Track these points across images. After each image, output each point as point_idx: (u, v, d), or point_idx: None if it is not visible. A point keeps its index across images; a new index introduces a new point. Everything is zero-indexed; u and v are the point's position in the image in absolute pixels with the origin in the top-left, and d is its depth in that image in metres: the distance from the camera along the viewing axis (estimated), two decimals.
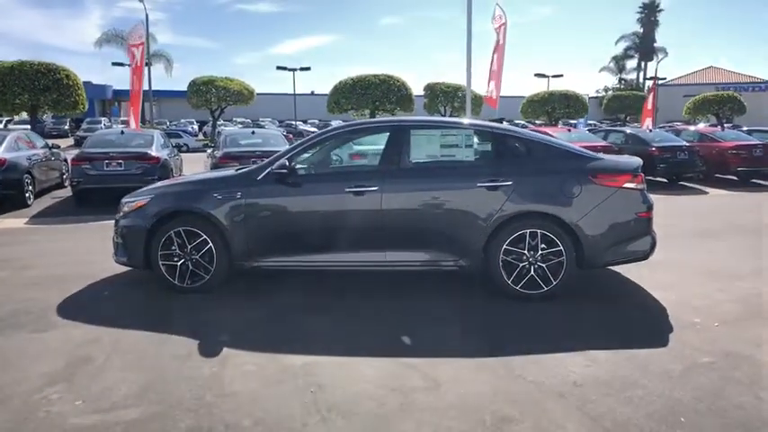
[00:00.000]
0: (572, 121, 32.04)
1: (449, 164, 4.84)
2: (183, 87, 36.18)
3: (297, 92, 50.51)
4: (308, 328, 4.14)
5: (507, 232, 4.56)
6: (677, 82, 51.23)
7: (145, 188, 5.45)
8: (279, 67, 38.59)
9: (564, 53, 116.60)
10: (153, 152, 10.92)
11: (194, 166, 13.60)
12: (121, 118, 47.22)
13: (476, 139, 4.84)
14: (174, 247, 4.87)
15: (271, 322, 4.25)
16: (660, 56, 54.17)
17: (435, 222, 4.65)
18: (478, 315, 4.41)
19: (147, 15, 29.06)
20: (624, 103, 39.33)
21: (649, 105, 20.27)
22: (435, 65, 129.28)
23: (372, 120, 5.38)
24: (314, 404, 2.96)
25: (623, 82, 56.34)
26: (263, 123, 44.35)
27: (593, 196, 4.52)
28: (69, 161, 12.02)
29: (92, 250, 6.58)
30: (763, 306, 4.58)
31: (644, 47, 55.52)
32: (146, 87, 20.93)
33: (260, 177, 4.84)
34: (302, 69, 38.99)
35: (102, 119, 42.65)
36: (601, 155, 5.09)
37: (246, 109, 40.62)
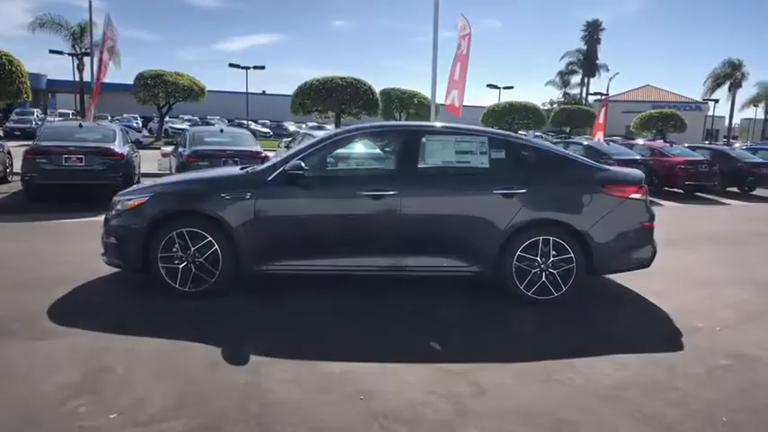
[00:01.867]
0: (522, 132, 33.14)
1: (465, 170, 4.87)
2: (124, 80, 34.63)
3: (245, 91, 49.53)
4: (331, 333, 4.05)
5: (521, 239, 4.63)
6: (617, 99, 53.85)
7: (139, 186, 5.18)
8: (231, 65, 37.56)
9: (512, 66, 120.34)
10: (117, 148, 10.37)
11: (147, 165, 13.15)
12: (59, 110, 44.73)
13: (490, 147, 4.88)
14: (175, 250, 4.64)
15: (290, 327, 4.13)
16: (602, 72, 56.89)
17: (452, 228, 4.66)
18: (495, 320, 4.45)
19: (90, 2, 27.70)
20: (570, 117, 40.92)
21: (601, 119, 21.17)
22: (385, 71, 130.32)
23: (388, 123, 5.33)
24: (368, 412, 2.89)
25: (567, 96, 58.62)
26: (212, 122, 43.18)
27: (602, 205, 4.67)
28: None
29: (61, 251, 6.21)
30: (751, 311, 4.85)
31: (587, 63, 58.05)
32: (87, 78, 19.93)
33: (270, 178, 4.69)
34: (256, 68, 38.19)
35: (35, 110, 40.12)
36: (606, 166, 5.26)
37: (194, 106, 39.40)
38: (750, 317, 4.71)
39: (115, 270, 5.08)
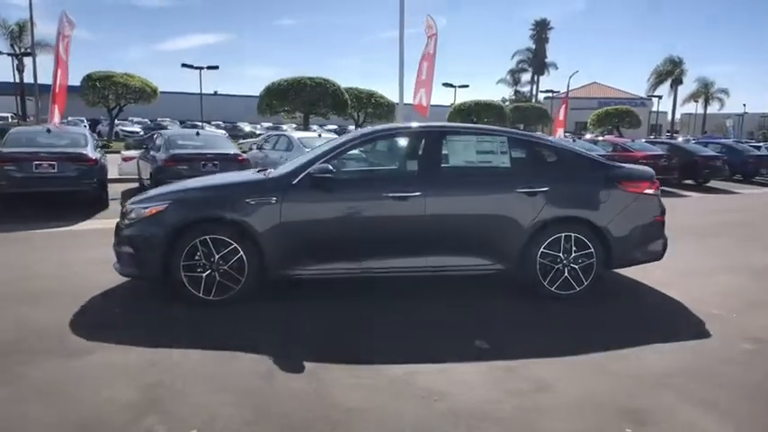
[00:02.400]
0: None
1: (487, 170, 4.96)
2: (68, 81, 33.11)
3: (194, 91, 48.18)
4: (375, 336, 4.05)
5: (544, 236, 4.75)
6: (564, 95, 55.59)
7: (153, 192, 5.01)
8: (184, 65, 36.70)
9: (461, 64, 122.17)
10: (90, 153, 9.93)
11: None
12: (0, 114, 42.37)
13: (510, 146, 4.99)
14: (197, 258, 4.52)
15: (329, 331, 4.10)
16: (551, 70, 58.65)
17: (477, 227, 4.74)
18: (527, 316, 4.54)
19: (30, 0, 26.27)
20: (524, 114, 41.98)
21: (561, 116, 21.95)
22: (336, 69, 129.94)
23: (408, 125, 5.33)
24: (450, 413, 2.92)
25: (518, 94, 60.11)
26: (164, 123, 41.88)
27: (619, 201, 4.85)
28: None
29: (52, 262, 5.97)
30: (752, 298, 5.14)
31: (536, 62, 59.68)
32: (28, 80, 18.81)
33: (295, 182, 4.63)
34: (210, 68, 37.37)
35: None
36: (619, 164, 5.46)
37: (145, 108, 38.10)
38: (753, 303, 4.97)
39: (119, 282, 4.92)
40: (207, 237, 4.51)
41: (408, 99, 18.21)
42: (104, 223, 8.67)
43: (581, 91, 58.89)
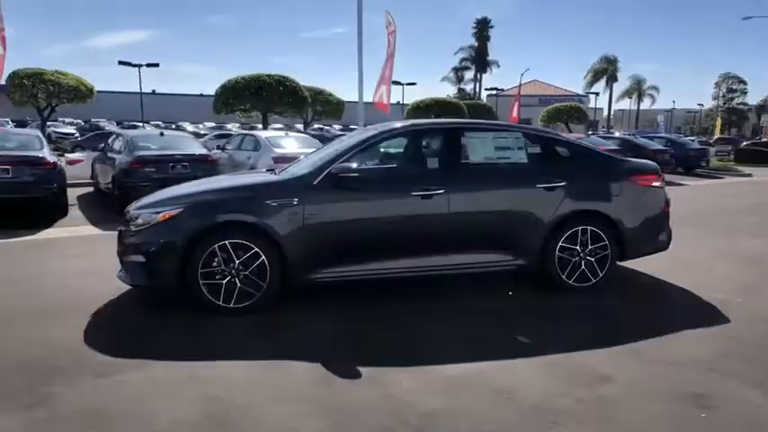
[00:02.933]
0: None
1: (506, 166, 4.99)
2: None
3: (129, 90, 45.96)
4: (408, 335, 4.00)
5: (563, 230, 4.84)
6: (508, 93, 57.05)
7: (160, 195, 4.74)
8: (121, 62, 34.82)
9: (408, 62, 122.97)
10: (47, 156, 9.29)
11: None
12: None
13: (526, 142, 5.04)
14: (215, 264, 4.31)
15: (366, 335, 4.01)
16: (493, 68, 60.04)
17: (499, 223, 4.77)
18: (549, 308, 4.61)
19: None
20: (469, 112, 42.67)
21: (515, 113, 22.52)
22: (273, 67, 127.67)
23: (427, 121, 5.28)
24: (528, 410, 2.92)
25: (462, 91, 61.13)
26: (101, 124, 39.84)
27: (631, 194, 5.01)
28: None
29: (41, 275, 5.55)
30: (749, 282, 5.42)
31: (479, 59, 60.93)
32: None
33: (316, 182, 4.49)
34: (149, 65, 35.78)
35: None
36: (627, 158, 5.62)
37: (79, 109, 36.05)
38: (755, 289, 5.23)
39: (115, 292, 4.75)
40: (226, 241, 4.30)
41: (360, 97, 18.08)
42: (71, 231, 8.20)
43: (522, 88, 60.61)
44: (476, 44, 61.06)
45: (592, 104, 49.54)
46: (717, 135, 41.33)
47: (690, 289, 5.11)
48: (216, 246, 4.30)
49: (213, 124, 43.88)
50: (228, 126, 45.20)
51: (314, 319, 4.35)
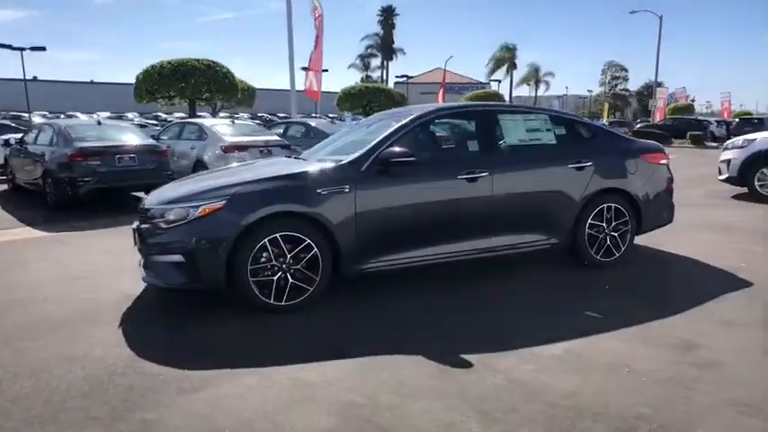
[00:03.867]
0: (332, 115, 33.14)
1: (540, 147, 5.05)
2: None
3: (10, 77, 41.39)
4: (482, 320, 3.96)
5: (591, 208, 5.01)
6: (415, 81, 58.10)
7: (192, 187, 4.29)
8: (2, 45, 31.13)
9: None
10: None
11: None
12: None
13: (552, 124, 5.13)
14: (264, 259, 4.00)
15: (434, 321, 3.91)
16: (399, 56, 60.73)
17: (537, 204, 4.84)
18: (586, 283, 4.76)
19: None
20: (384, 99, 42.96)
21: (440, 100, 22.96)
22: (165, 54, 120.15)
23: (465, 103, 5.18)
24: (663, 378, 2.99)
25: (369, 79, 61.25)
26: None
27: (645, 172, 5.28)
28: None
29: (35, 280, 4.94)
30: (738, 248, 5.91)
31: (385, 47, 61.36)
32: None
33: (365, 168, 4.30)
34: (34, 49, 32.20)
35: None
36: (635, 138, 5.89)
37: None
38: (748, 252, 5.71)
39: (132, 294, 4.40)
40: (277, 234, 4.00)
41: (277, 83, 17.55)
42: (8, 234, 7.22)
43: (428, 76, 62.00)
44: (381, 32, 61.39)
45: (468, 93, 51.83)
46: (605, 119, 44.81)
47: (694, 257, 5.49)
48: (266, 239, 3.98)
49: (108, 114, 40.44)
50: (130, 115, 41.94)
51: (369, 310, 4.18)
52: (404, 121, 4.61)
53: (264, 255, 4.01)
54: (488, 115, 4.87)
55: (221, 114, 31.39)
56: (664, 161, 5.51)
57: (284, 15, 16.54)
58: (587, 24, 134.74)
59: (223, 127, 11.49)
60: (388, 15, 61.03)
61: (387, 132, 4.53)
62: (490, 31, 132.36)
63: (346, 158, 4.40)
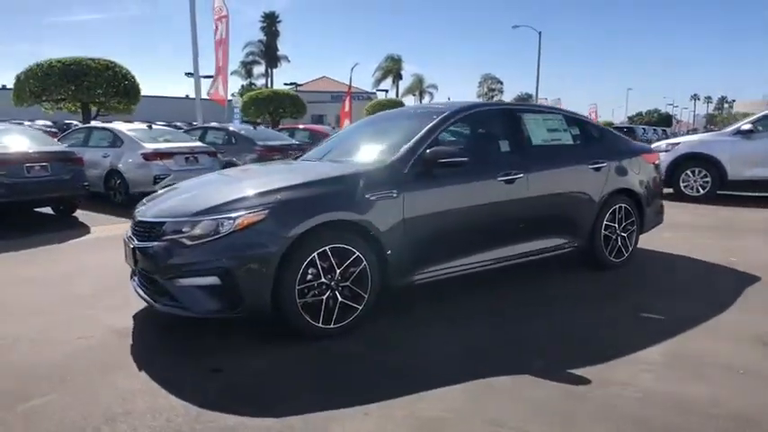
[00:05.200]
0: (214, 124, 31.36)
1: (561, 147, 4.95)
2: None
3: None
4: (551, 329, 3.73)
5: (606, 209, 5.02)
6: (301, 89, 57.30)
7: (215, 198, 3.55)
8: None
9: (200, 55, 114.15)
10: None
11: None
12: None
13: (568, 124, 5.06)
14: (311, 277, 3.44)
15: (500, 336, 3.62)
16: (283, 63, 59.56)
17: (564, 205, 4.75)
18: (607, 287, 4.74)
19: None
20: (281, 104, 41.57)
21: (347, 108, 22.61)
22: (20, 55, 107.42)
23: (489, 102, 4.88)
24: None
25: (254, 86, 59.30)
26: None
27: (645, 172, 5.42)
28: None
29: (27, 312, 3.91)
30: (711, 244, 6.31)
31: (269, 54, 59.81)
32: None
33: (407, 169, 3.89)
34: None
35: None
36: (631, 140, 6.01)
37: None
38: (723, 249, 6.06)
39: (123, 325, 3.47)
40: (326, 247, 3.46)
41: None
42: None
43: (313, 84, 61.54)
44: (265, 39, 59.86)
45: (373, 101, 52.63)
46: None
47: (682, 254, 5.72)
48: (315, 254, 3.42)
49: None
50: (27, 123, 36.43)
51: (429, 326, 3.78)
52: (438, 119, 4.26)
53: (311, 272, 3.44)
54: (516, 114, 4.69)
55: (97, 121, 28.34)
56: (657, 161, 5.70)
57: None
58: (470, 37, 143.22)
59: (140, 132, 10.27)
60: (271, 22, 59.62)
61: (424, 131, 4.15)
62: (374, 42, 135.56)
63: (388, 159, 3.95)
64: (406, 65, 59.56)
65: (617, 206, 5.10)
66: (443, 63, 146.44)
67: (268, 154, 11.94)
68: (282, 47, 61.33)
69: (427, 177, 3.94)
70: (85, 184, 8.46)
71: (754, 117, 9.75)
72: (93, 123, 11.22)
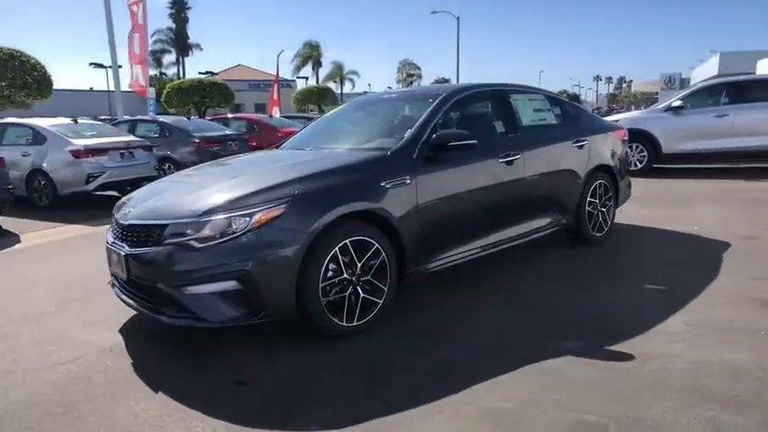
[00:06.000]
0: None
1: (547, 127, 4.96)
2: None
3: None
4: (571, 314, 3.74)
5: (589, 185, 5.12)
6: (217, 78, 54.99)
7: (224, 194, 3.21)
8: None
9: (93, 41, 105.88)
10: None
11: None
12: None
13: (550, 104, 5.08)
14: (332, 273, 3.23)
15: (533, 324, 3.59)
16: (195, 51, 56.84)
17: (555, 183, 4.77)
18: (609, 260, 4.85)
19: None
20: (208, 93, 39.44)
21: (276, 95, 21.92)
22: None
23: (483, 83, 4.71)
24: None
25: (164, 75, 56.18)
26: None
27: (617, 148, 5.58)
28: None
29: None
30: (678, 218, 6.62)
31: (179, 42, 56.80)
32: None
33: (416, 154, 3.73)
34: None
35: None
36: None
37: None
38: (679, 218, 6.38)
39: (116, 342, 3.17)
40: (347, 240, 3.25)
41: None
42: None
43: (229, 73, 59.13)
44: (174, 26, 56.78)
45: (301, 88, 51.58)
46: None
47: (649, 225, 5.98)
48: (337, 248, 3.20)
49: None
50: None
51: (448, 315, 3.68)
52: (436, 102, 4.12)
53: (332, 267, 3.22)
54: (507, 95, 4.63)
55: None
56: (625, 137, 5.88)
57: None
58: (389, 23, 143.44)
59: (65, 127, 9.35)
60: (179, 9, 56.54)
61: (426, 114, 4.00)
62: (290, 29, 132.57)
63: (394, 145, 3.77)
64: (326, 51, 58.35)
65: (597, 182, 5.21)
66: (362, 49, 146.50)
67: (206, 146, 11.32)
68: (194, 35, 58.38)
69: (435, 162, 3.80)
70: (10, 187, 7.59)
71: (683, 94, 10.41)
72: (8, 120, 10.05)
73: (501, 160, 4.21)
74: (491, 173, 4.17)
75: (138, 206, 3.45)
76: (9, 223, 7.76)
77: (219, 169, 4.17)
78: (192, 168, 4.59)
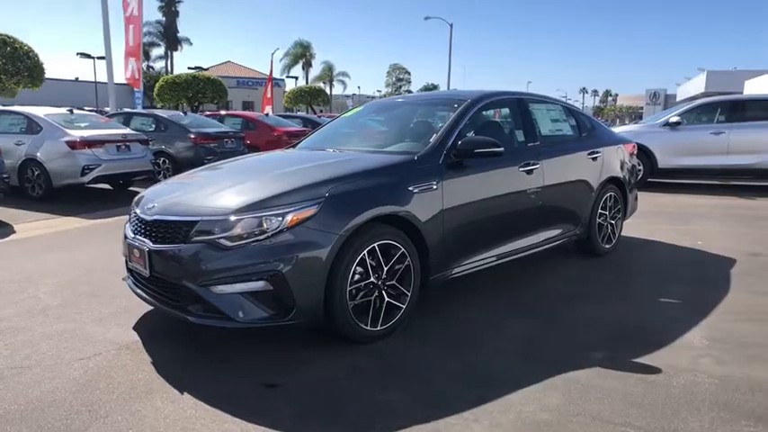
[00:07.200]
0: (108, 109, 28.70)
1: (564, 138, 4.98)
2: None
3: None
4: (576, 322, 3.75)
5: (601, 197, 5.16)
6: (206, 74, 54.49)
7: (269, 191, 3.14)
8: None
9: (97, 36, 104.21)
10: None
11: None
12: None
13: (565, 114, 5.11)
14: (358, 277, 3.20)
15: (557, 327, 3.59)
16: (185, 46, 56.23)
17: (570, 195, 4.79)
18: (619, 273, 4.89)
19: None
20: (202, 89, 38.97)
21: (269, 94, 21.78)
22: None
23: (503, 90, 4.69)
24: None
25: (152, 70, 55.49)
26: None
27: (627, 161, 5.63)
28: None
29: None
30: (681, 231, 6.71)
31: (168, 36, 56.13)
32: None
33: (441, 159, 3.72)
34: None
35: None
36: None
37: None
38: (682, 232, 6.48)
39: (133, 342, 3.11)
40: (375, 244, 3.22)
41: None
42: None
43: (218, 69, 58.53)
44: (164, 20, 56.13)
45: (290, 87, 51.30)
46: None
47: (659, 240, 6.02)
48: (365, 251, 3.17)
49: None
50: None
51: (468, 325, 3.67)
52: (461, 108, 4.10)
53: (359, 271, 3.19)
54: (527, 104, 4.64)
55: None
56: (634, 151, 5.94)
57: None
58: (381, 27, 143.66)
59: (61, 117, 9.16)
60: (170, 1, 55.94)
61: (452, 120, 3.98)
62: (280, 27, 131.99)
63: (421, 149, 3.75)
64: (317, 52, 58.12)
65: (608, 194, 5.26)
66: (351, 51, 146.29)
67: (202, 142, 11.19)
68: (183, 29, 57.78)
69: (459, 167, 3.79)
70: (5, 176, 7.41)
71: (681, 110, 10.57)
72: (1, 107, 9.82)
73: (521, 169, 4.22)
74: (511, 181, 4.17)
75: (162, 201, 3.38)
76: (1, 213, 7.57)
77: (244, 167, 4.10)
78: (210, 165, 4.52)
